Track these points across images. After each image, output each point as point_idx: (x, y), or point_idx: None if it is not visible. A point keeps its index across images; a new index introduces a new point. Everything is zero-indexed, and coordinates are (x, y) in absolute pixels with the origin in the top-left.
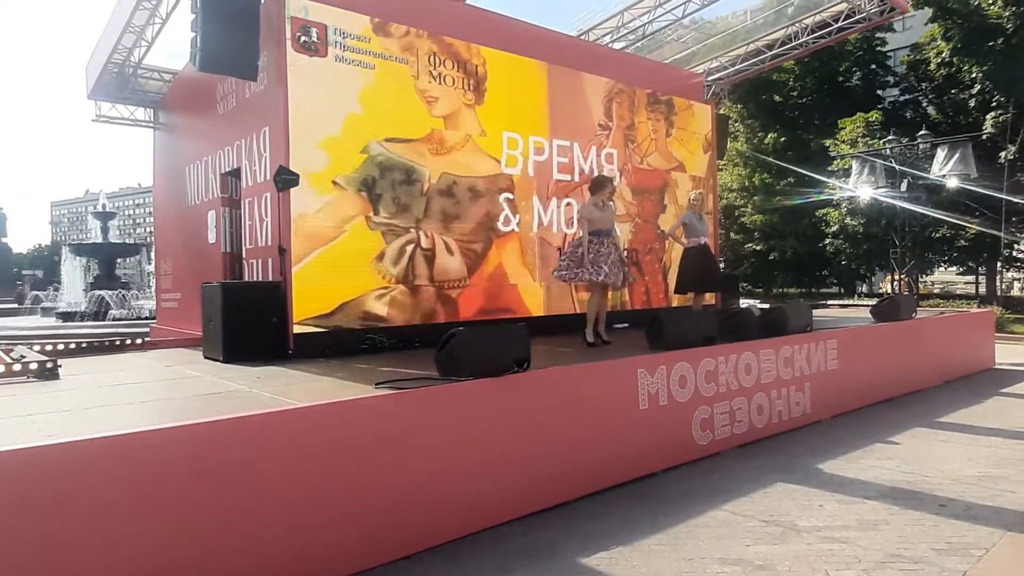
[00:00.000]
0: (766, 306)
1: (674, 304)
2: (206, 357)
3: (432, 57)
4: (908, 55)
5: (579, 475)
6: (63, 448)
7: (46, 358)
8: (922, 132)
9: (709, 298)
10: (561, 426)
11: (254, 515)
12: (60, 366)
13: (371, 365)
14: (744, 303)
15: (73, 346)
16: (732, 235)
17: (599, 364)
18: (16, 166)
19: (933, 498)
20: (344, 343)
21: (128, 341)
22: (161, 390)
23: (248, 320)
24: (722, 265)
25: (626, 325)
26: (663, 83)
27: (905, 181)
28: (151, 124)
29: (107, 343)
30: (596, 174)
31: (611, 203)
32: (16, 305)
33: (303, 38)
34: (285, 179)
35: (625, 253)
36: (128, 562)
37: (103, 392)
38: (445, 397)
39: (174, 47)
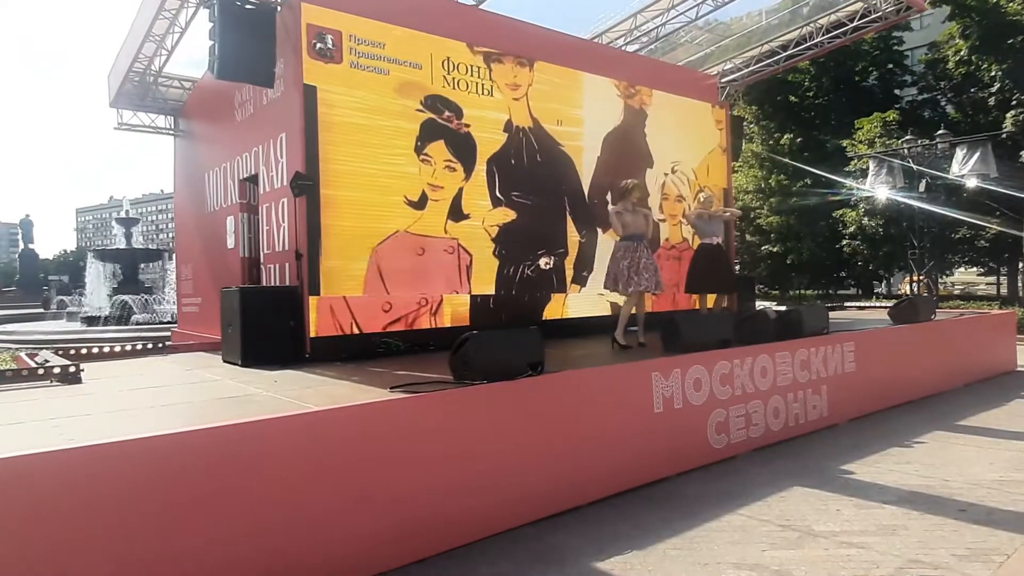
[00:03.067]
0: (782, 308)
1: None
2: (225, 361)
3: (445, 62)
4: (926, 54)
5: (593, 479)
6: (85, 452)
7: (69, 362)
8: (941, 131)
9: (725, 300)
10: (575, 429)
11: (270, 516)
12: (83, 370)
13: (386, 369)
14: (760, 305)
15: (96, 350)
16: (748, 237)
17: (613, 367)
18: (42, 174)
19: (953, 503)
20: (360, 347)
21: (150, 345)
22: (181, 394)
23: (266, 324)
24: (738, 267)
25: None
26: (676, 84)
27: (923, 181)
28: (172, 131)
29: (129, 347)
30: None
31: (641, 208)
32: (42, 310)
33: (319, 45)
34: (301, 184)
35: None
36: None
37: (124, 396)
38: (459, 400)
39: (194, 55)
